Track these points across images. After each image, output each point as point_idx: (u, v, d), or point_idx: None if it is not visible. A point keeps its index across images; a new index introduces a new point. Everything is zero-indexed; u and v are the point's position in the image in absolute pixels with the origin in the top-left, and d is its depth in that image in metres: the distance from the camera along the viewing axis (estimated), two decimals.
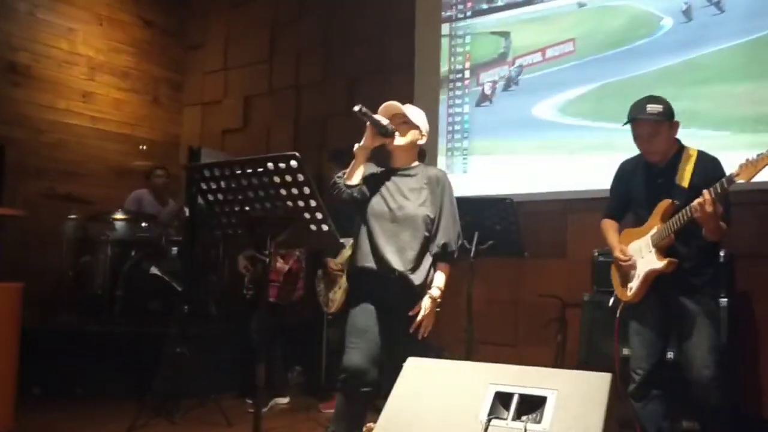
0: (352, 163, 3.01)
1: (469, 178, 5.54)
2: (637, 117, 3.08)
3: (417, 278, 2.99)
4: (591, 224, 4.91)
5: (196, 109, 7.51)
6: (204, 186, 2.61)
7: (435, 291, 3.00)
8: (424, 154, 3.25)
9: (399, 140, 3.06)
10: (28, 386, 4.63)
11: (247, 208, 2.59)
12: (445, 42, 5.84)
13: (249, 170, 2.49)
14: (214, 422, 4.33)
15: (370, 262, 3.00)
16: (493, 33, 5.64)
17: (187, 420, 4.41)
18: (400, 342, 2.98)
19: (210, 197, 2.63)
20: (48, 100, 6.40)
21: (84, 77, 6.70)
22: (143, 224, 5.77)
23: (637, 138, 3.14)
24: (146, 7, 7.29)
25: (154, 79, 7.36)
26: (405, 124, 3.08)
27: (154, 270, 5.14)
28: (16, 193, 5.63)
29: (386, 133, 3.00)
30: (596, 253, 4.43)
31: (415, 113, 3.11)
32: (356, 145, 3.02)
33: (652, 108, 3.06)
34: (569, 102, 5.20)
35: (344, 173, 3.03)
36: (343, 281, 4.59)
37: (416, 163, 3.18)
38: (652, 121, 3.05)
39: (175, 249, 5.58)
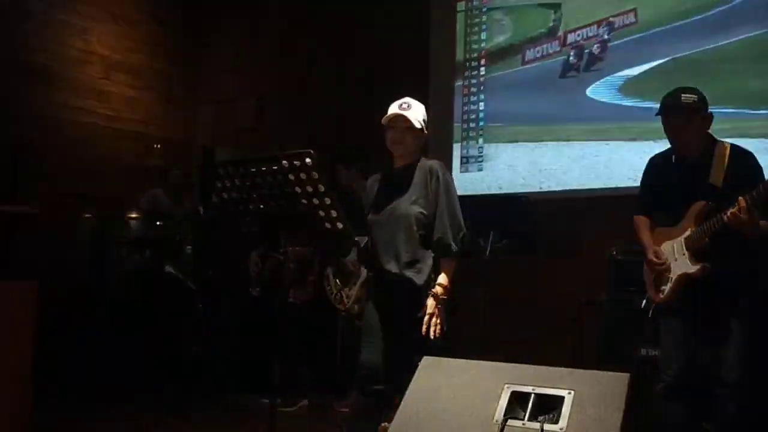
0: None
1: (484, 175, 5.51)
2: (670, 107, 3.03)
3: (419, 279, 2.96)
4: (607, 223, 4.89)
5: (210, 107, 7.51)
6: (219, 184, 2.60)
7: (437, 288, 2.94)
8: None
9: (405, 146, 3.07)
10: (44, 384, 4.65)
11: (261, 206, 2.58)
12: (461, 23, 5.74)
13: (264, 168, 2.48)
14: (229, 420, 4.33)
15: (374, 270, 3.08)
16: (540, 5, 5.28)
17: (201, 418, 4.42)
18: (404, 345, 2.96)
19: (225, 195, 2.62)
20: (63, 99, 6.42)
21: (99, 76, 6.72)
22: (158, 223, 5.79)
23: (670, 130, 3.08)
24: (161, 5, 7.29)
25: (169, 77, 7.36)
26: (409, 129, 3.04)
27: (168, 269, 5.14)
28: (31, 191, 5.64)
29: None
30: (614, 252, 4.39)
31: (415, 114, 3.05)
32: None
33: (687, 97, 3.00)
34: (631, 81, 4.82)
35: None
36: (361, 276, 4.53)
37: (418, 159, 3.14)
38: (686, 111, 3.00)
39: (189, 248, 5.58)
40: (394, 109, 3.06)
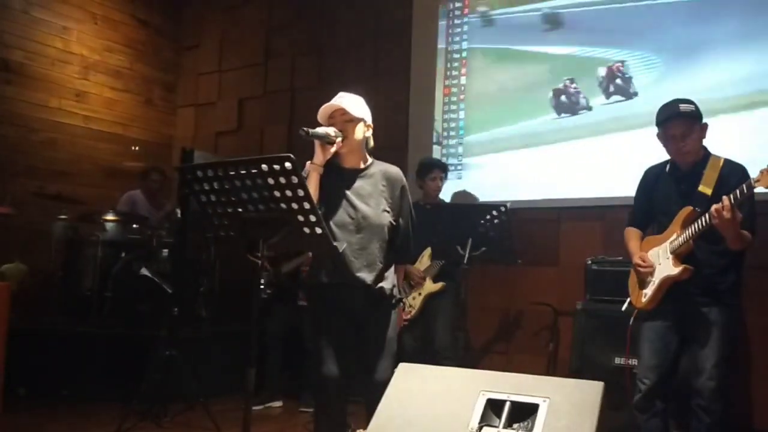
0: (307, 183, 2.72)
1: (464, 183, 5.52)
2: (671, 116, 3.06)
3: (387, 286, 2.99)
4: (584, 232, 4.93)
5: (190, 110, 7.47)
6: (197, 187, 2.57)
7: (400, 293, 3.11)
8: (371, 144, 3.08)
9: (348, 141, 2.91)
10: (14, 387, 4.58)
11: (240, 210, 2.56)
12: (442, 38, 5.77)
13: (243, 171, 2.46)
14: (203, 426, 4.29)
15: (337, 276, 2.90)
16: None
17: (174, 424, 4.37)
18: (373, 351, 2.96)
19: (203, 198, 2.60)
20: (41, 98, 6.35)
21: (77, 76, 6.66)
22: (134, 225, 5.74)
23: (671, 139, 3.09)
24: (141, 6, 7.25)
25: (148, 79, 7.31)
26: (349, 122, 2.92)
27: (144, 271, 5.09)
28: (5, 191, 5.57)
29: (333, 142, 2.85)
30: (589, 262, 4.43)
31: (355, 105, 2.95)
32: (308, 163, 2.88)
33: (685, 107, 3.05)
34: None
35: None
36: (425, 287, 4.52)
37: (370, 160, 3.05)
38: (687, 119, 3.03)
39: (165, 251, 5.54)
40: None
